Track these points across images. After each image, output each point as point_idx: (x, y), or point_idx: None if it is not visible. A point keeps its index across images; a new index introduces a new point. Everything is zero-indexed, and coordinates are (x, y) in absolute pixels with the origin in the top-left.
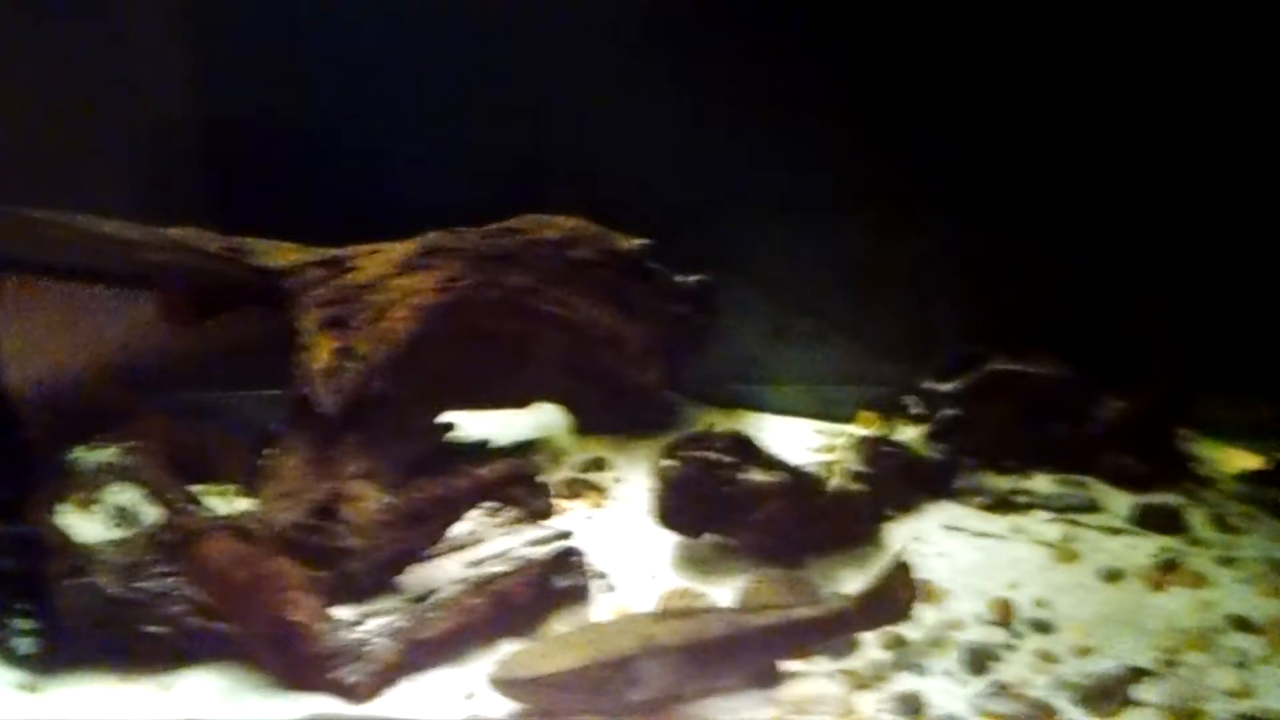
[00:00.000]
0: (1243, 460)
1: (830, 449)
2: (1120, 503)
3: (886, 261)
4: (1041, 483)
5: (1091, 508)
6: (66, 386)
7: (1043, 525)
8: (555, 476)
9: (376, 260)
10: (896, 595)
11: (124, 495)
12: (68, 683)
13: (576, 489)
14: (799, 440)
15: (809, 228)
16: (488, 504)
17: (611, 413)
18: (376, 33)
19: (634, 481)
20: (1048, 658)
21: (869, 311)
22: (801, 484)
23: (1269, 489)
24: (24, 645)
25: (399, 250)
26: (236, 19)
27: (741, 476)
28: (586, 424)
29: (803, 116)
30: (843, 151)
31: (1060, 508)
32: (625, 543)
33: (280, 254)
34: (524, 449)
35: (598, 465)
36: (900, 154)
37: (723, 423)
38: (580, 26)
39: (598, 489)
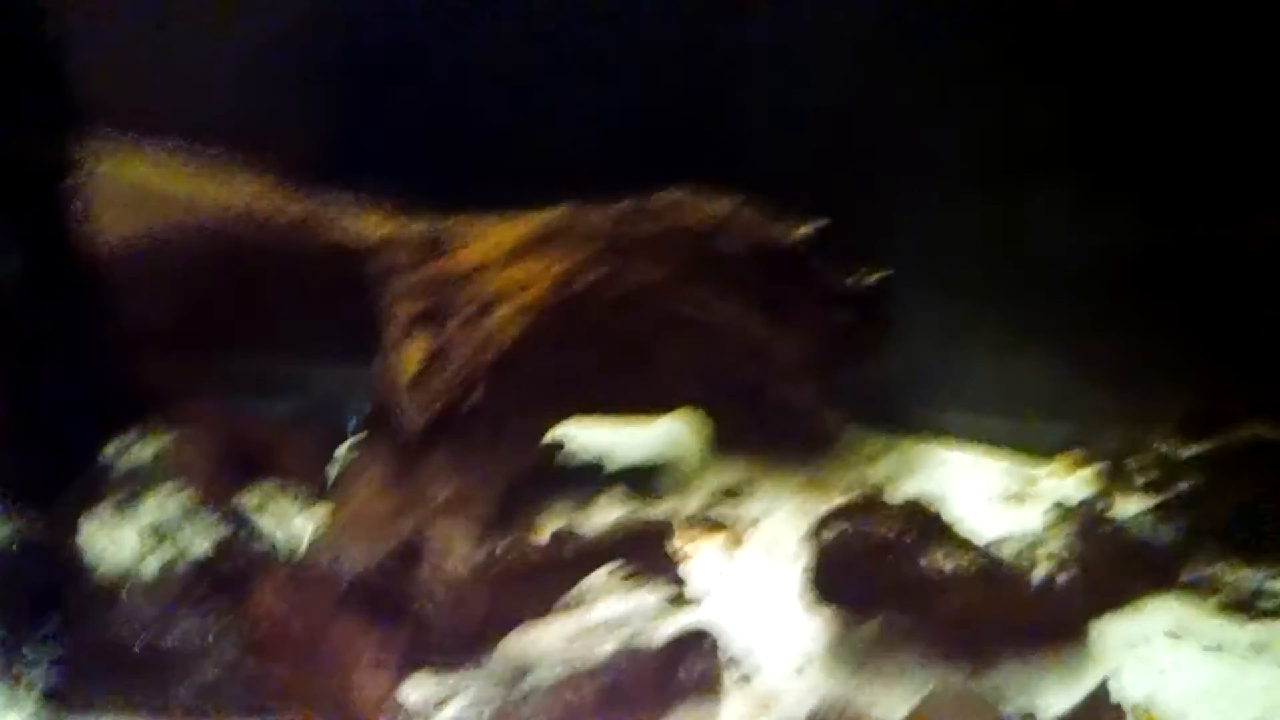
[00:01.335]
0: None
1: (1021, 498)
2: None
3: (1109, 258)
4: None
5: None
6: (104, 358)
7: None
8: (681, 509)
9: (485, 241)
10: None
11: (166, 502)
12: None
13: (706, 527)
14: (982, 482)
15: (1006, 210)
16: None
17: (758, 431)
18: None
19: (777, 518)
20: None
21: (1079, 322)
22: (996, 571)
23: None
24: (43, 678)
25: (512, 230)
26: None
27: (922, 560)
28: (723, 441)
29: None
30: (1057, 116)
31: None
32: (766, 612)
33: (365, 224)
34: (645, 472)
35: (733, 494)
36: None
37: (888, 452)
38: None
39: (734, 526)
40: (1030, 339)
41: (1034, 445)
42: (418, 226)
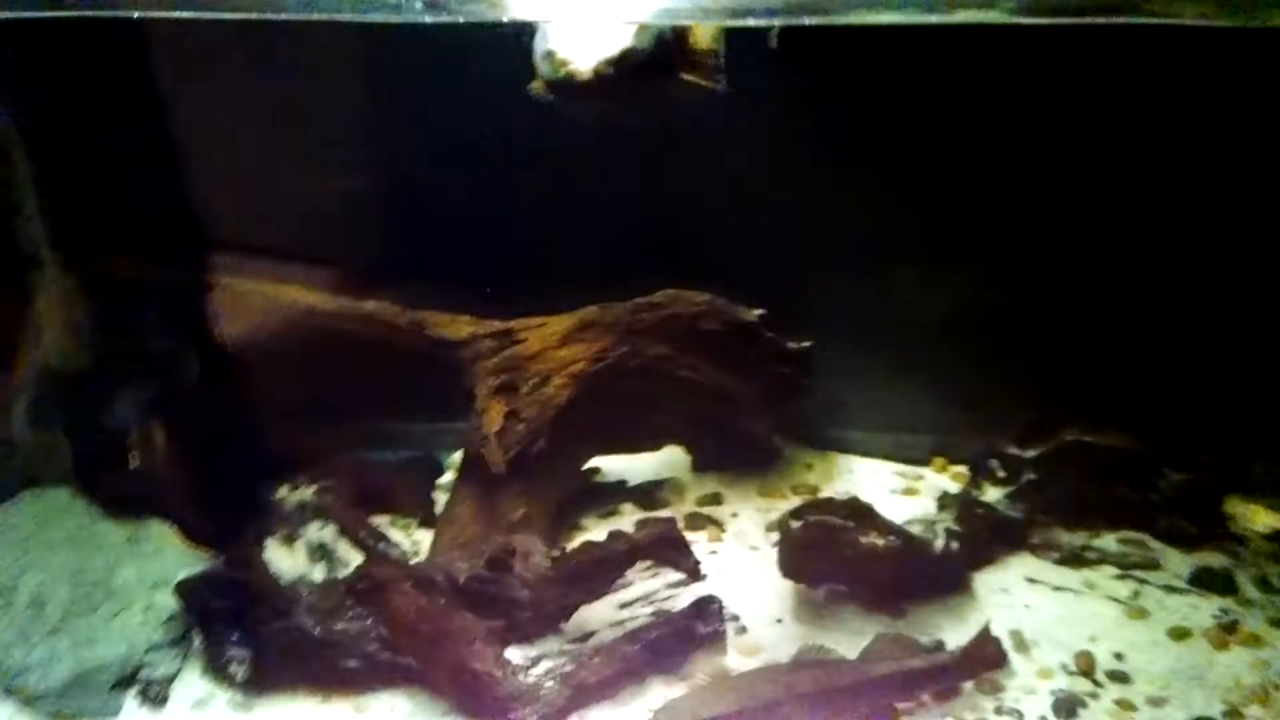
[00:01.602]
0: (1264, 517)
1: (912, 491)
2: (1176, 561)
3: (957, 315)
4: (1108, 540)
5: (1154, 565)
6: (270, 432)
7: (1112, 581)
8: (679, 510)
9: (540, 334)
10: (991, 647)
11: (321, 533)
12: (275, 703)
13: (698, 523)
14: (881, 481)
15: (885, 284)
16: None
17: (725, 455)
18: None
19: (746, 516)
20: (1127, 706)
21: (941, 364)
22: (911, 547)
23: None
24: (239, 672)
25: (559, 325)
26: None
27: (861, 540)
28: (703, 464)
29: (877, 168)
30: (922, 203)
31: (1126, 565)
32: (748, 583)
33: (457, 327)
34: (655, 486)
35: (715, 500)
36: (978, 208)
37: (817, 464)
38: None
39: (716, 523)
40: (906, 377)
41: (913, 454)
42: (493, 325)
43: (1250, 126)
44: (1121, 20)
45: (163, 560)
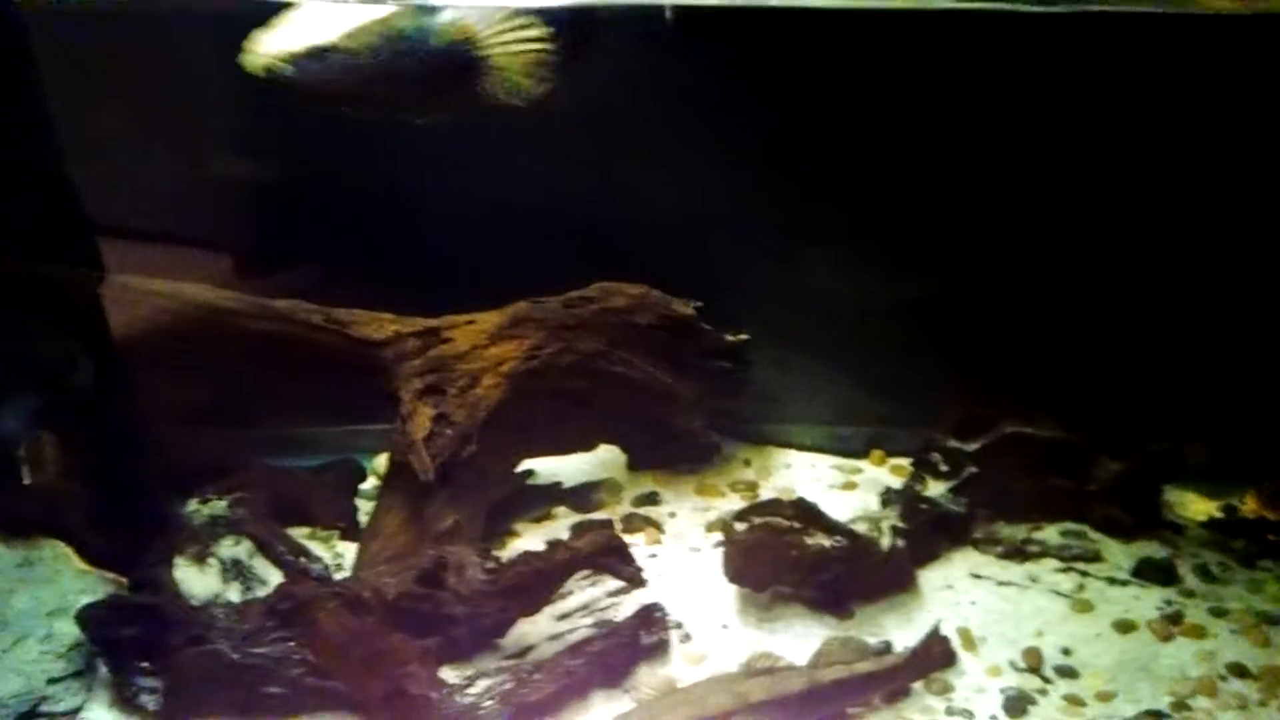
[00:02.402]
0: (1199, 505)
1: (849, 485)
2: (1116, 552)
3: (889, 305)
4: (1049, 533)
5: (1095, 558)
6: (174, 440)
7: (1055, 575)
8: (616, 512)
9: (469, 331)
10: (940, 647)
11: (235, 549)
12: None
13: (636, 524)
14: (818, 475)
15: (811, 269)
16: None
17: (661, 452)
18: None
19: (684, 516)
20: (1076, 702)
21: (874, 358)
22: (858, 546)
23: (1234, 539)
24: (151, 702)
25: (488, 321)
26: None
27: (808, 540)
28: (638, 462)
29: (799, 156)
30: (852, 192)
31: (1068, 557)
32: (690, 587)
33: (379, 325)
34: (590, 488)
35: (652, 500)
36: (904, 197)
37: (753, 459)
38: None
39: (655, 524)
40: (839, 372)
41: (848, 447)
42: (418, 323)
43: (1177, 106)
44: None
45: (60, 585)
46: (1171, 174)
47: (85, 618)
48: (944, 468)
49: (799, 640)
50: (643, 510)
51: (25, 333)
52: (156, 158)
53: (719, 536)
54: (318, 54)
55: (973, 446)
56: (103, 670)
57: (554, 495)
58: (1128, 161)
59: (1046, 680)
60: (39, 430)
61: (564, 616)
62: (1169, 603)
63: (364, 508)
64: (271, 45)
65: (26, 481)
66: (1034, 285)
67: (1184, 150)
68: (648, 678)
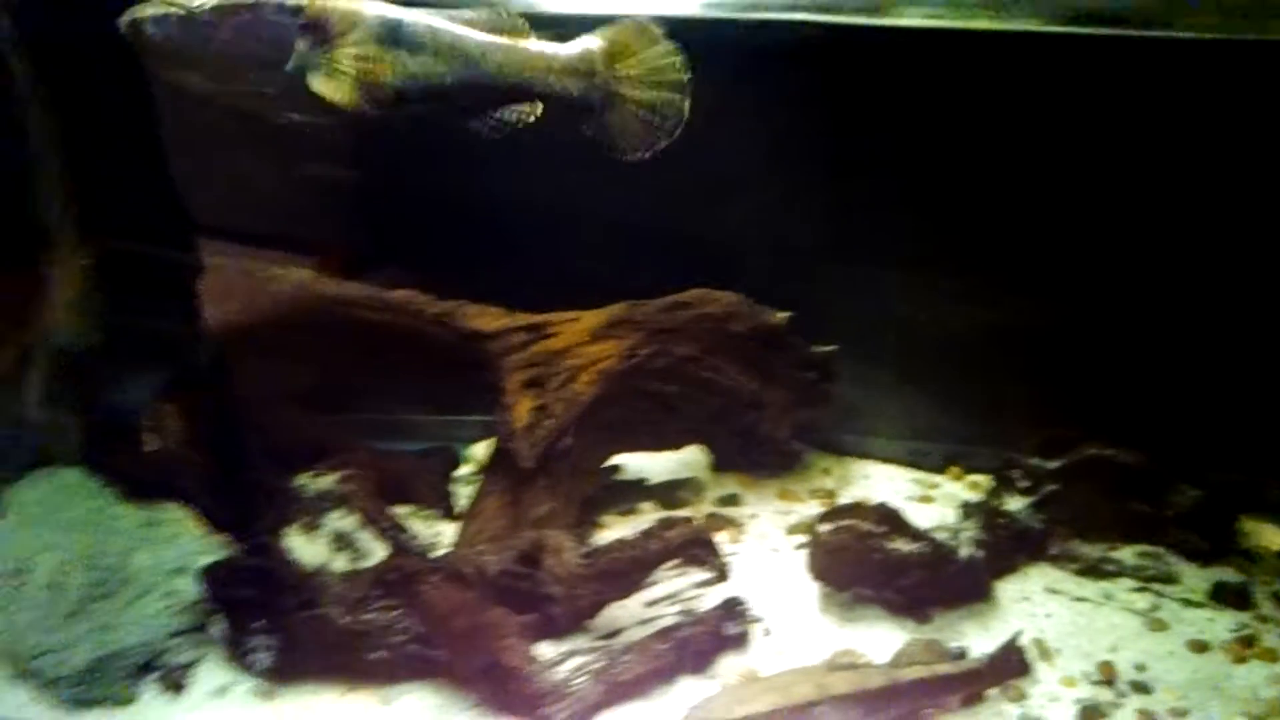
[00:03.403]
0: (1275, 536)
1: (927, 499)
2: (1192, 575)
3: (975, 327)
4: (1126, 553)
5: (1171, 579)
6: (285, 418)
7: (1130, 593)
8: (699, 510)
9: (572, 329)
10: (1018, 656)
11: (343, 522)
12: (298, 693)
13: (717, 523)
14: (897, 488)
15: (902, 288)
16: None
17: (745, 456)
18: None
19: (765, 518)
20: (1149, 716)
21: (954, 377)
22: (938, 554)
23: None
24: (262, 661)
25: (589, 320)
26: None
27: (890, 545)
28: (722, 464)
29: (888, 180)
30: (945, 214)
31: (1144, 577)
32: (771, 585)
33: (487, 319)
34: (674, 486)
35: (734, 501)
36: (989, 222)
37: (834, 469)
38: None
39: (736, 524)
40: (920, 390)
41: (926, 462)
42: (524, 319)
43: (1270, 136)
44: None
45: (179, 545)
46: (1269, 206)
47: (207, 576)
48: (1024, 484)
49: (877, 641)
50: (725, 510)
51: (154, 312)
52: (255, 158)
53: (799, 539)
54: (171, 18)
55: (1054, 465)
56: (219, 627)
57: (640, 491)
58: (1220, 191)
59: (1120, 694)
60: (163, 402)
61: (651, 604)
62: (1243, 626)
63: (459, 493)
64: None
65: (151, 448)
66: (1116, 314)
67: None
68: (731, 666)
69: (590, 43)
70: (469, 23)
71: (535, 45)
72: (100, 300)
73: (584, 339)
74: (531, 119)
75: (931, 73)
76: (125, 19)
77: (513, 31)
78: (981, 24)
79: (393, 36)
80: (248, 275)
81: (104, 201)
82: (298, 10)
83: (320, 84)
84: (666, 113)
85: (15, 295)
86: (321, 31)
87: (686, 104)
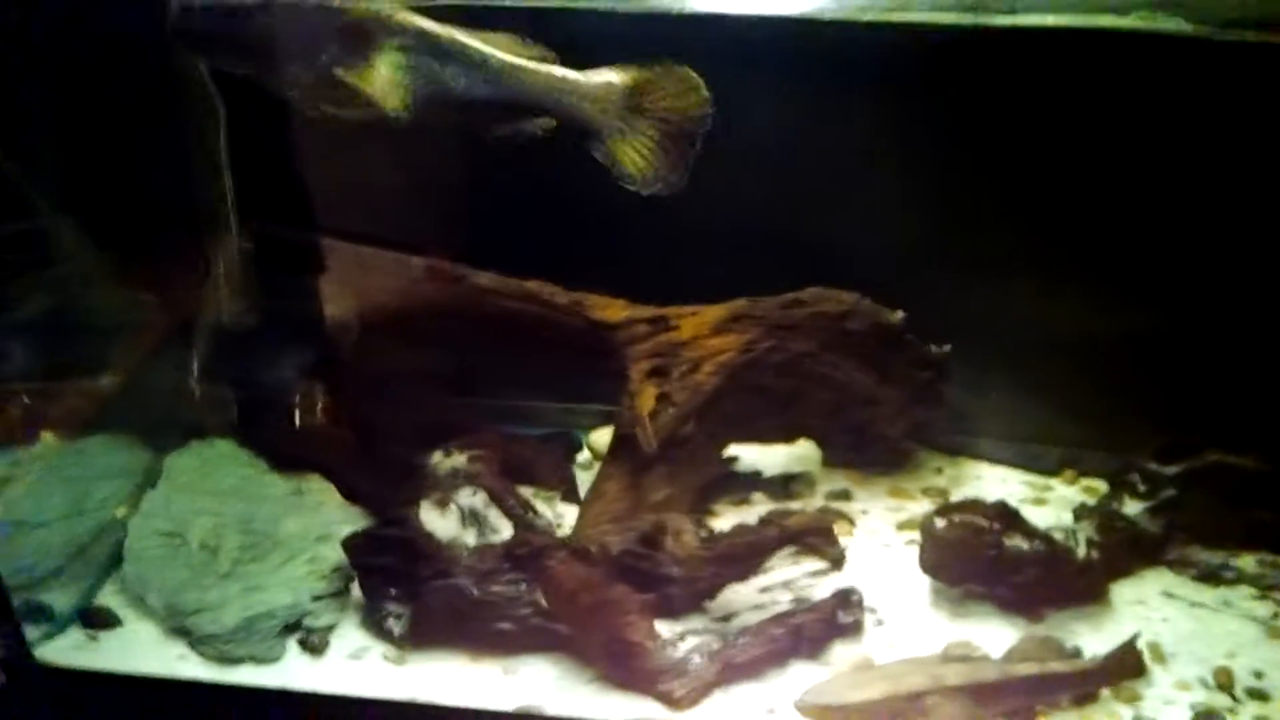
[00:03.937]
0: None
1: (1039, 501)
2: None
3: (1092, 331)
4: (1246, 561)
5: None
6: (420, 400)
7: (1249, 601)
8: (810, 503)
9: (693, 322)
10: (1133, 657)
11: (473, 499)
12: (428, 659)
13: (830, 516)
14: (1009, 489)
15: (1019, 290)
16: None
17: (858, 453)
18: None
19: (876, 514)
20: None
21: (1067, 381)
22: (1054, 553)
23: None
24: (396, 627)
25: (711, 314)
26: None
27: (1006, 543)
28: (834, 460)
29: (1018, 177)
30: (1064, 216)
31: (1265, 586)
32: (884, 578)
33: (613, 310)
34: (787, 479)
35: (845, 496)
36: (1120, 222)
37: (946, 468)
38: None
39: (847, 518)
40: (1036, 393)
41: (1040, 465)
42: (648, 311)
43: None
44: None
45: (323, 514)
46: None
47: (349, 545)
48: (1142, 488)
49: (988, 637)
50: (836, 504)
51: (303, 295)
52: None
53: (910, 535)
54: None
55: (1173, 470)
56: (356, 593)
57: (753, 482)
58: None
59: (1236, 700)
60: (310, 381)
61: (766, 590)
62: None
63: (578, 477)
64: None
65: (299, 422)
66: (1237, 320)
67: None
68: (844, 654)
69: (613, 76)
70: (498, 44)
71: (559, 70)
72: (256, 283)
73: (705, 332)
74: (540, 132)
75: (1064, 75)
76: (174, 8)
77: (539, 58)
78: (1127, 23)
79: (428, 48)
80: (389, 262)
81: (261, 190)
82: (339, 12)
83: (368, 83)
84: (672, 159)
85: (179, 277)
86: (362, 35)
87: (692, 154)
